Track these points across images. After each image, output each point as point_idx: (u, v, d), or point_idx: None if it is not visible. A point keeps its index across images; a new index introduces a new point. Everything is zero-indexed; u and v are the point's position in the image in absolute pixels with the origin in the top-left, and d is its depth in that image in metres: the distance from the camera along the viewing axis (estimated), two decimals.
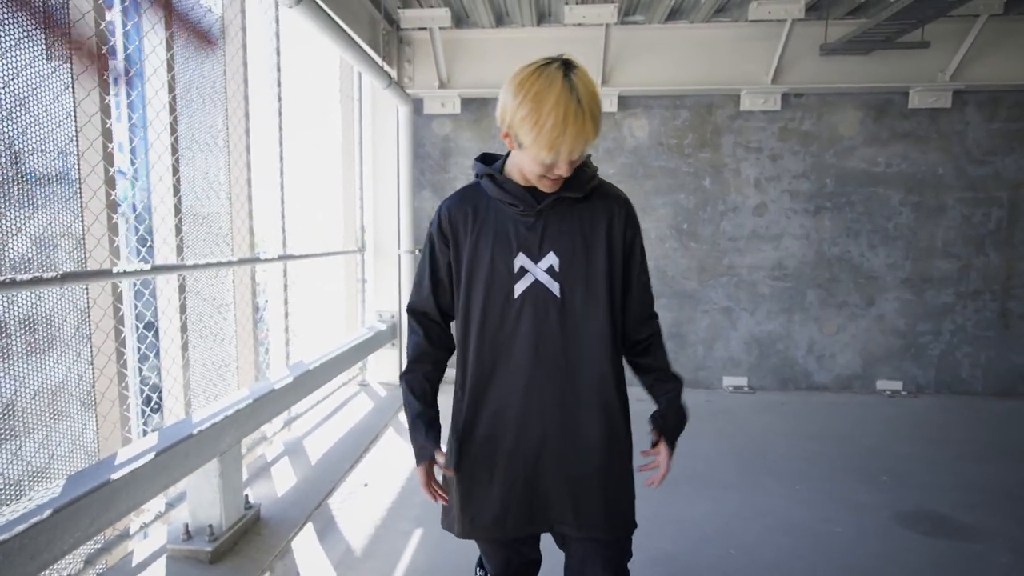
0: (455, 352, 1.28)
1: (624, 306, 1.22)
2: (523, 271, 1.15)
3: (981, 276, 4.41)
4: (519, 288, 1.15)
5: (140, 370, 2.37)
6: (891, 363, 4.51)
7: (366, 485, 2.85)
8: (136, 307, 2.26)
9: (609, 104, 4.32)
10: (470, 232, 1.17)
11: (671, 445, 1.23)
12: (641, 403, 1.30)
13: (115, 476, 1.62)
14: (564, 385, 1.17)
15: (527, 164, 1.07)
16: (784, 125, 4.39)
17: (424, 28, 4.03)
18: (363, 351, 3.95)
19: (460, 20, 4.20)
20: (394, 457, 3.20)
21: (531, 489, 1.20)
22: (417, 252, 4.46)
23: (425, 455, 1.24)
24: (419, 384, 1.29)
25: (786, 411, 4.08)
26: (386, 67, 4.01)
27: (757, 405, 4.23)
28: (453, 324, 1.28)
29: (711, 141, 4.45)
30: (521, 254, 1.15)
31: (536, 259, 1.14)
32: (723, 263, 4.52)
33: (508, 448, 1.19)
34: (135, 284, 2.43)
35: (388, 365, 4.56)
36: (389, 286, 4.53)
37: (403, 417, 3.85)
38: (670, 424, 1.24)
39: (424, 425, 1.25)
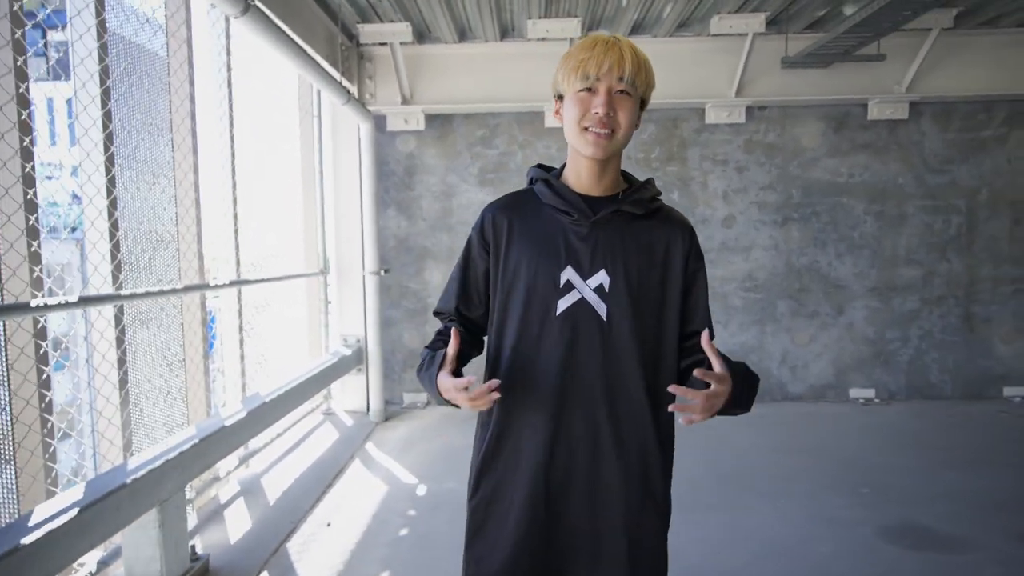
0: (485, 372, 1.13)
1: (681, 342, 1.08)
2: (569, 286, 1.03)
3: (944, 282, 4.48)
4: (562, 305, 1.03)
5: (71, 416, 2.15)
6: (863, 371, 4.53)
7: (329, 525, 2.65)
8: (63, 343, 2.05)
9: None
10: (515, 238, 1.07)
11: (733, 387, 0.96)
12: None
13: (26, 540, 1.41)
14: (598, 421, 1.04)
15: (569, 117, 1.02)
16: (749, 137, 4.42)
17: (385, 43, 3.92)
18: (327, 378, 3.75)
19: (422, 35, 4.11)
20: (360, 491, 3.01)
21: (547, 537, 1.05)
22: (383, 273, 4.29)
23: (438, 361, 1.03)
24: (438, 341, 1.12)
25: (763, 425, 4.03)
26: (345, 83, 3.88)
27: (734, 420, 4.13)
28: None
29: (678, 154, 4.44)
30: (569, 267, 1.03)
31: (585, 275, 1.02)
32: None
33: (528, 485, 1.04)
34: (68, 316, 2.22)
35: (354, 392, 4.35)
36: (354, 309, 4.34)
37: (370, 447, 3.67)
38: (737, 370, 1.00)
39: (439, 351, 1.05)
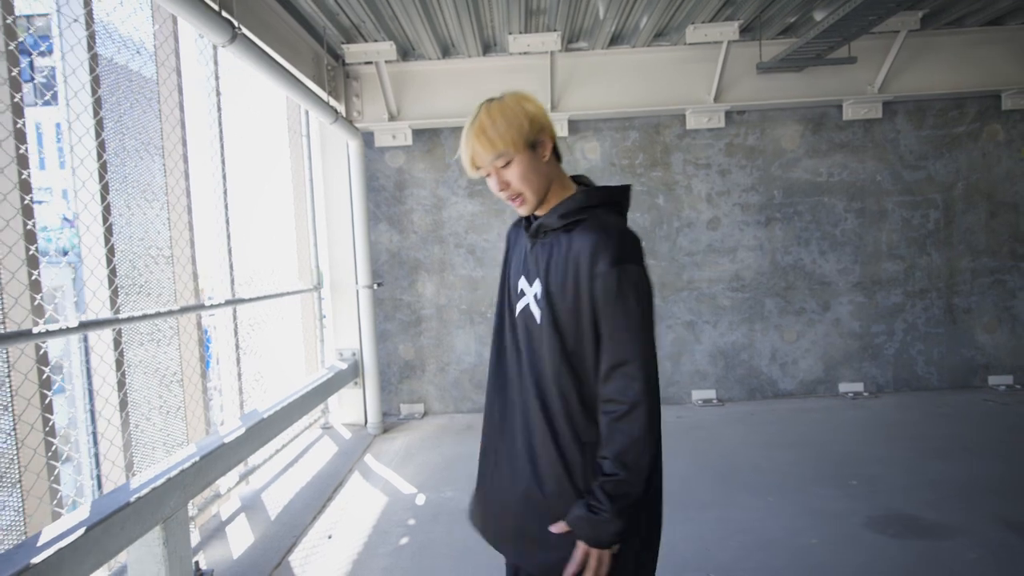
0: None
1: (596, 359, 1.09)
2: (521, 292, 1.19)
3: (926, 275, 4.59)
4: (518, 308, 1.19)
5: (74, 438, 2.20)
6: (851, 365, 4.62)
7: (330, 537, 2.70)
8: (64, 367, 2.10)
9: (560, 128, 4.38)
10: (511, 249, 1.29)
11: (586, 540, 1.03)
12: None
13: (36, 560, 1.46)
14: (516, 417, 1.18)
15: None
16: (730, 141, 4.53)
17: (370, 62, 4.01)
18: (324, 392, 3.80)
19: (406, 53, 4.21)
20: (360, 503, 3.05)
21: (484, 508, 1.25)
22: (376, 286, 4.36)
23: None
24: None
25: (755, 421, 4.11)
26: (332, 102, 3.96)
27: (727, 417, 4.24)
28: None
29: (661, 160, 4.54)
30: (522, 276, 1.20)
31: (531, 283, 1.17)
32: (683, 278, 4.58)
33: (480, 462, 1.27)
34: (69, 342, 2.27)
35: (352, 405, 4.40)
36: (349, 323, 4.40)
37: (369, 459, 3.72)
38: (575, 518, 1.04)
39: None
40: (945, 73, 4.26)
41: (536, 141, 1.10)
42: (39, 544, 1.54)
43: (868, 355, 4.61)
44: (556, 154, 1.15)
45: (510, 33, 3.86)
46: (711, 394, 4.61)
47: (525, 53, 3.99)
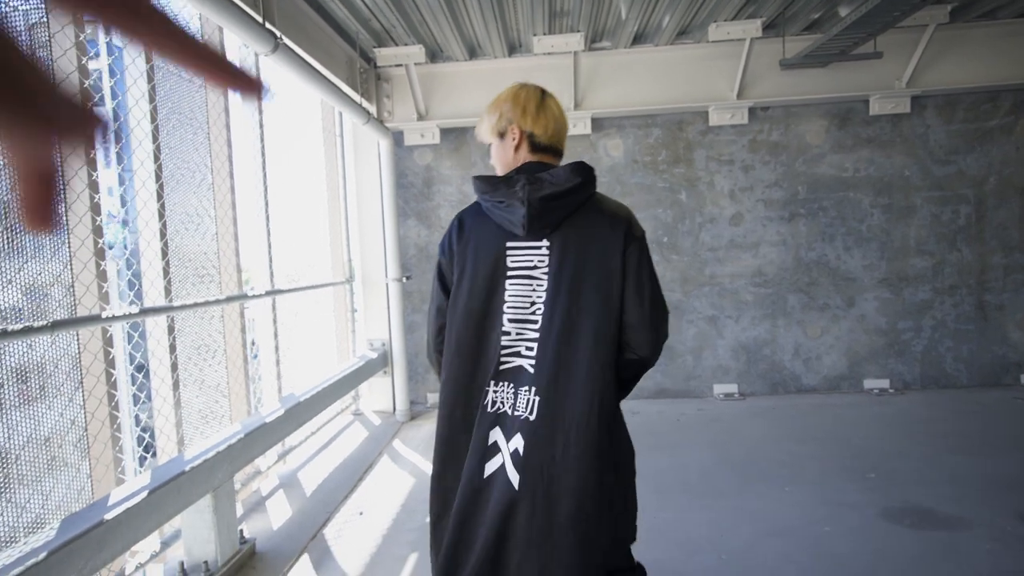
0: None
1: None
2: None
3: (956, 271, 4.52)
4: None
5: (137, 416, 2.42)
6: (877, 362, 4.59)
7: (361, 513, 2.88)
8: (127, 349, 2.32)
9: (583, 126, 4.47)
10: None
11: None
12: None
13: (108, 516, 1.66)
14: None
15: None
16: (753, 137, 4.54)
17: (400, 64, 4.18)
18: (355, 380, 3.99)
19: (434, 55, 4.36)
20: (389, 484, 3.23)
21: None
22: (405, 280, 4.54)
23: None
24: None
25: (776, 416, 4.14)
26: (365, 103, 4.14)
27: (748, 411, 4.28)
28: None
29: (684, 156, 4.59)
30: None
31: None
32: (705, 273, 4.62)
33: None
34: (125, 327, 2.49)
35: (381, 393, 4.60)
36: (379, 314, 4.59)
37: (397, 444, 3.90)
38: None
39: None
40: (977, 66, 4.19)
41: (504, 131, 1.28)
42: (109, 503, 1.74)
43: (894, 352, 4.58)
44: (532, 143, 1.27)
45: (534, 34, 3.97)
46: (733, 388, 4.64)
47: (549, 53, 4.09)
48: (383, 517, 2.82)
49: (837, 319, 4.60)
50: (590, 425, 1.13)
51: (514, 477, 1.13)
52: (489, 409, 1.20)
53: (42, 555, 1.43)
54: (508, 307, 1.20)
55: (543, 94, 1.30)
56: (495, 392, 1.20)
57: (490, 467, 1.17)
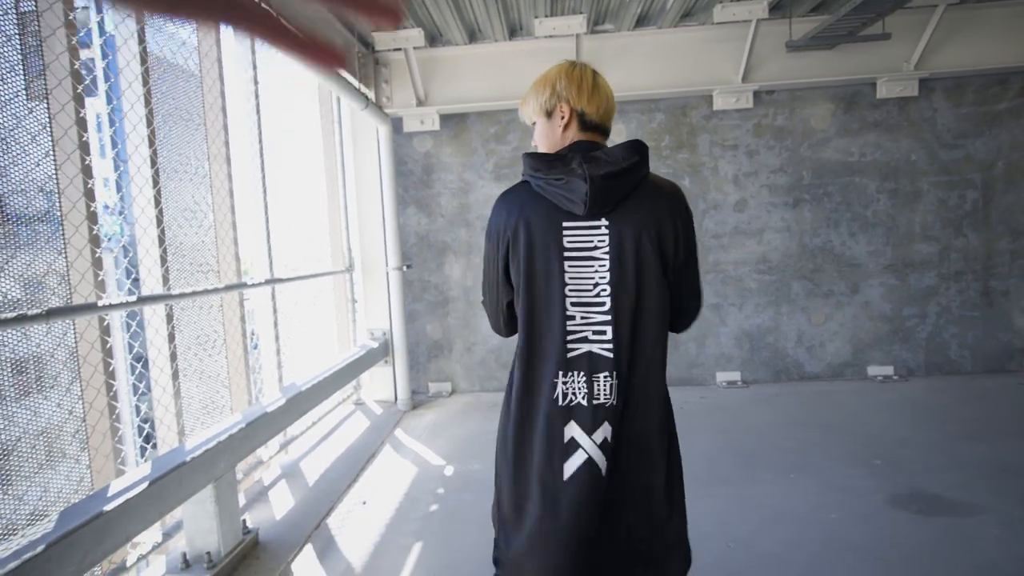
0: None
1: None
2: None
3: (962, 257, 4.48)
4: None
5: (137, 406, 2.38)
6: (881, 348, 4.56)
7: (364, 503, 2.86)
8: (124, 339, 2.28)
9: None
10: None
11: None
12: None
13: (108, 508, 1.63)
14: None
15: None
16: (758, 122, 4.48)
17: (399, 49, 4.10)
18: (356, 370, 3.96)
19: (434, 39, 4.28)
20: (392, 473, 3.21)
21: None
22: (405, 268, 4.49)
23: None
24: None
25: (779, 403, 4.12)
26: (363, 89, 4.07)
27: (751, 399, 4.26)
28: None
29: (687, 141, 4.52)
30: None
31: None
32: (708, 260, 4.58)
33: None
34: (123, 316, 2.45)
35: (382, 383, 4.57)
36: (379, 304, 4.55)
37: (399, 433, 3.88)
38: None
39: None
40: (987, 48, 4.11)
41: (551, 110, 1.24)
42: (109, 494, 1.71)
43: (899, 338, 4.55)
44: (583, 122, 1.23)
45: (536, 16, 3.89)
46: (736, 376, 4.62)
47: (551, 36, 4.01)
48: (387, 506, 2.80)
49: (841, 306, 4.56)
50: (663, 406, 1.17)
51: (604, 468, 1.10)
52: (560, 403, 1.12)
53: (40, 547, 1.41)
54: (570, 290, 1.13)
55: (595, 73, 1.26)
56: (564, 384, 1.12)
57: (571, 466, 1.10)
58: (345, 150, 4.52)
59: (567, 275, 1.12)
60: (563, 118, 1.22)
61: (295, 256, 3.79)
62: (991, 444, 3.14)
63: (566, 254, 1.12)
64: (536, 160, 1.16)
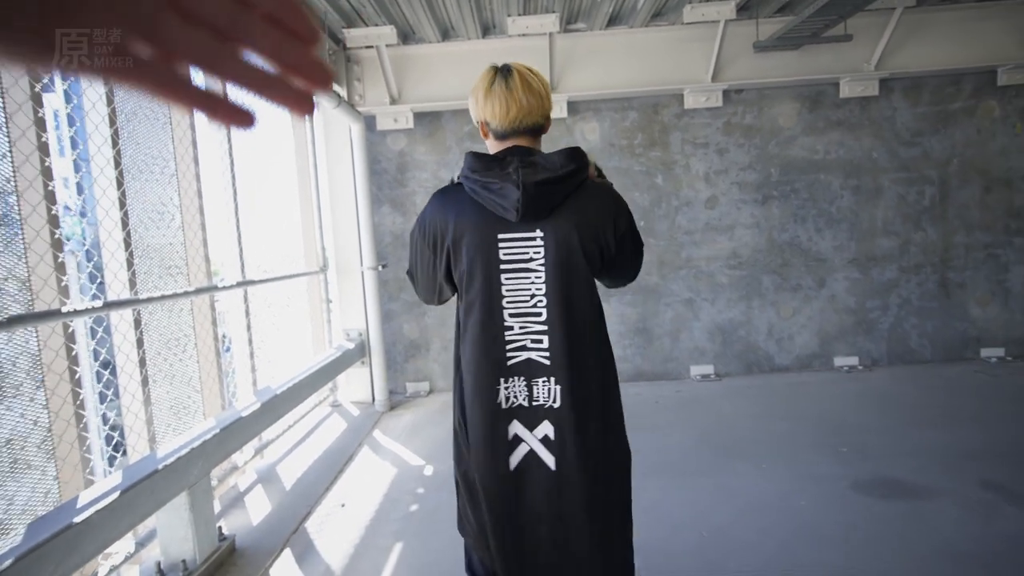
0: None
1: None
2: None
3: (920, 250, 4.67)
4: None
5: (102, 412, 2.32)
6: (846, 340, 4.73)
7: (343, 505, 2.84)
8: (91, 346, 2.22)
9: (560, 110, 4.43)
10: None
11: None
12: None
13: (78, 519, 1.59)
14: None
15: None
16: (728, 120, 4.57)
17: (371, 46, 4.05)
18: (332, 371, 3.93)
19: (406, 36, 4.24)
20: (370, 475, 3.19)
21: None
22: (381, 268, 4.46)
23: None
24: None
25: (751, 395, 4.23)
26: (335, 87, 4.01)
27: (724, 391, 4.37)
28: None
29: (660, 139, 4.59)
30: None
31: None
32: (681, 256, 4.67)
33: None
34: (88, 322, 2.38)
35: (359, 384, 4.53)
36: (355, 304, 4.51)
37: (377, 434, 3.86)
38: None
39: None
40: (942, 49, 4.28)
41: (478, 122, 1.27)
42: (79, 506, 1.67)
43: (863, 330, 4.71)
44: (493, 131, 1.25)
45: (509, 15, 3.90)
46: (709, 369, 4.73)
47: (524, 35, 4.03)
48: (366, 508, 2.79)
49: (809, 299, 4.71)
50: (607, 404, 1.21)
51: (550, 460, 1.18)
52: (504, 406, 1.19)
53: (8, 562, 1.37)
54: (507, 302, 1.17)
55: (497, 74, 1.20)
56: (506, 388, 1.19)
57: (515, 458, 1.19)
58: (317, 148, 4.46)
59: (504, 287, 1.16)
60: (482, 131, 1.26)
61: (268, 257, 3.72)
62: (949, 430, 3.29)
63: (503, 267, 1.16)
64: (475, 160, 1.19)
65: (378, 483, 3.07)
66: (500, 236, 1.16)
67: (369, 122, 4.46)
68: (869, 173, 4.60)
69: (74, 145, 2.31)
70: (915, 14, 4.13)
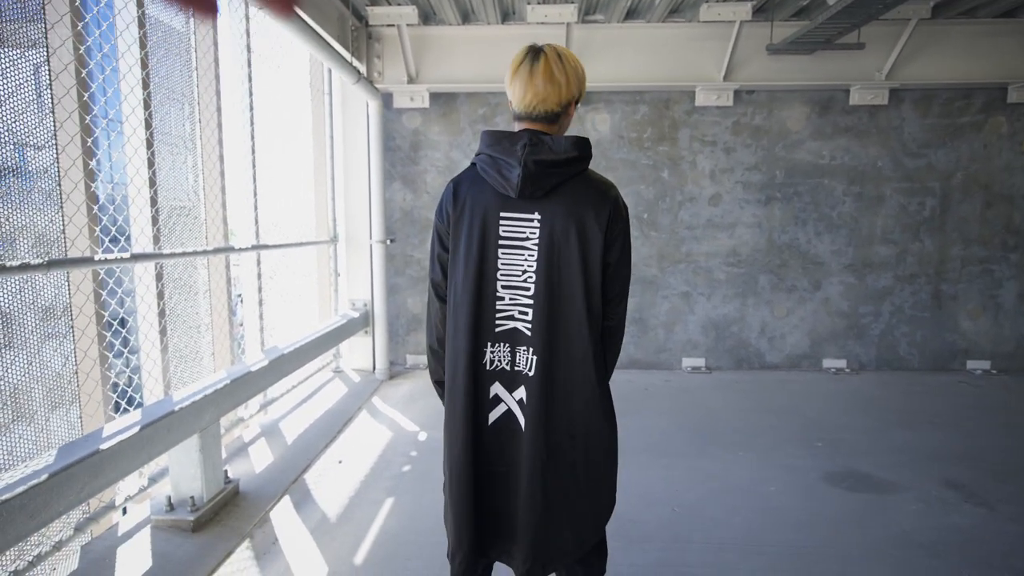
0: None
1: None
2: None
3: (917, 260, 4.76)
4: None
5: (123, 354, 2.49)
6: (836, 343, 4.84)
7: (340, 462, 3.02)
8: (117, 294, 2.37)
9: None
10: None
11: None
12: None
13: (103, 447, 1.76)
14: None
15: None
16: (737, 120, 4.65)
17: (392, 25, 4.15)
18: (336, 338, 4.09)
19: (427, 17, 4.33)
20: (368, 437, 3.37)
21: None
22: (389, 242, 4.60)
23: None
24: None
25: (739, 389, 4.37)
26: (355, 62, 4.12)
27: (713, 384, 4.51)
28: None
29: (669, 135, 4.68)
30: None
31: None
32: (681, 250, 4.78)
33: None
34: (116, 272, 2.54)
35: (361, 352, 4.70)
36: (362, 275, 4.66)
37: (376, 400, 4.04)
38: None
39: None
40: (954, 63, 4.33)
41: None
42: (104, 435, 1.84)
43: (853, 334, 4.83)
44: (514, 112, 1.32)
45: (528, 3, 3.97)
46: (700, 362, 4.86)
47: (542, 23, 4.11)
48: (361, 466, 2.97)
49: (803, 301, 4.82)
50: (587, 381, 1.28)
51: (521, 420, 1.29)
52: (488, 367, 1.30)
53: (43, 477, 1.54)
54: (501, 274, 1.27)
55: (527, 55, 1.25)
56: (492, 352, 1.29)
57: (494, 415, 1.30)
58: (334, 122, 4.58)
59: (500, 261, 1.27)
60: (510, 107, 1.32)
61: (281, 224, 3.87)
62: (924, 433, 3.42)
63: (501, 242, 1.26)
64: (489, 136, 1.28)
65: (374, 444, 3.24)
66: (502, 214, 1.25)
67: (386, 100, 4.56)
68: (872, 181, 4.68)
69: (111, 106, 2.44)
70: (929, 26, 4.17)
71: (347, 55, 3.96)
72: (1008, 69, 4.33)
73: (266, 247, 3.39)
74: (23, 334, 1.85)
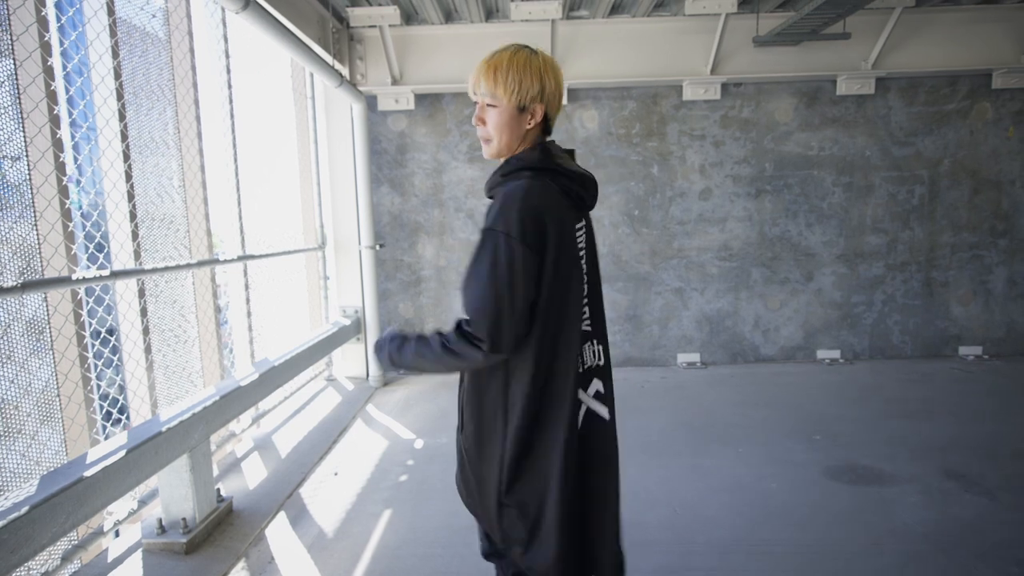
0: None
1: None
2: None
3: (907, 249, 4.77)
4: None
5: (108, 374, 2.41)
6: (830, 333, 4.85)
7: (336, 474, 2.96)
8: (97, 312, 2.30)
9: None
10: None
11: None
12: None
13: (88, 473, 1.70)
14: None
15: None
16: (725, 113, 4.63)
17: (374, 26, 4.08)
18: (328, 346, 4.03)
19: (410, 17, 4.26)
20: (363, 446, 3.32)
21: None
22: (378, 247, 4.54)
23: None
24: None
25: (735, 383, 4.36)
26: (337, 65, 4.05)
27: (708, 379, 4.49)
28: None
29: (657, 130, 4.65)
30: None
31: None
32: (673, 246, 4.76)
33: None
34: (95, 290, 2.46)
35: (354, 360, 4.64)
36: (352, 281, 4.60)
37: (371, 408, 3.98)
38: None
39: None
40: (938, 51, 4.33)
41: (526, 106, 1.17)
42: (88, 461, 1.77)
43: (847, 324, 4.84)
44: (546, 127, 1.23)
45: (512, 0, 3.92)
46: (695, 357, 4.85)
47: (526, 20, 4.05)
48: (357, 477, 2.91)
49: (796, 293, 4.82)
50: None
51: (603, 411, 1.29)
52: (580, 370, 1.23)
53: (24, 509, 1.47)
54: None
55: (535, 53, 1.24)
56: (586, 352, 1.27)
57: (579, 418, 1.25)
58: (318, 127, 4.50)
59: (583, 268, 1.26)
60: (533, 119, 1.18)
61: (267, 233, 3.80)
62: (920, 422, 3.42)
63: (579, 251, 1.25)
64: (560, 150, 1.25)
65: (370, 454, 3.19)
66: (576, 225, 1.22)
67: (370, 102, 4.49)
68: (861, 171, 4.68)
69: (83, 119, 2.36)
70: (913, 14, 4.17)
71: (328, 58, 3.89)
72: (992, 55, 4.34)
73: (252, 257, 3.31)
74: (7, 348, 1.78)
